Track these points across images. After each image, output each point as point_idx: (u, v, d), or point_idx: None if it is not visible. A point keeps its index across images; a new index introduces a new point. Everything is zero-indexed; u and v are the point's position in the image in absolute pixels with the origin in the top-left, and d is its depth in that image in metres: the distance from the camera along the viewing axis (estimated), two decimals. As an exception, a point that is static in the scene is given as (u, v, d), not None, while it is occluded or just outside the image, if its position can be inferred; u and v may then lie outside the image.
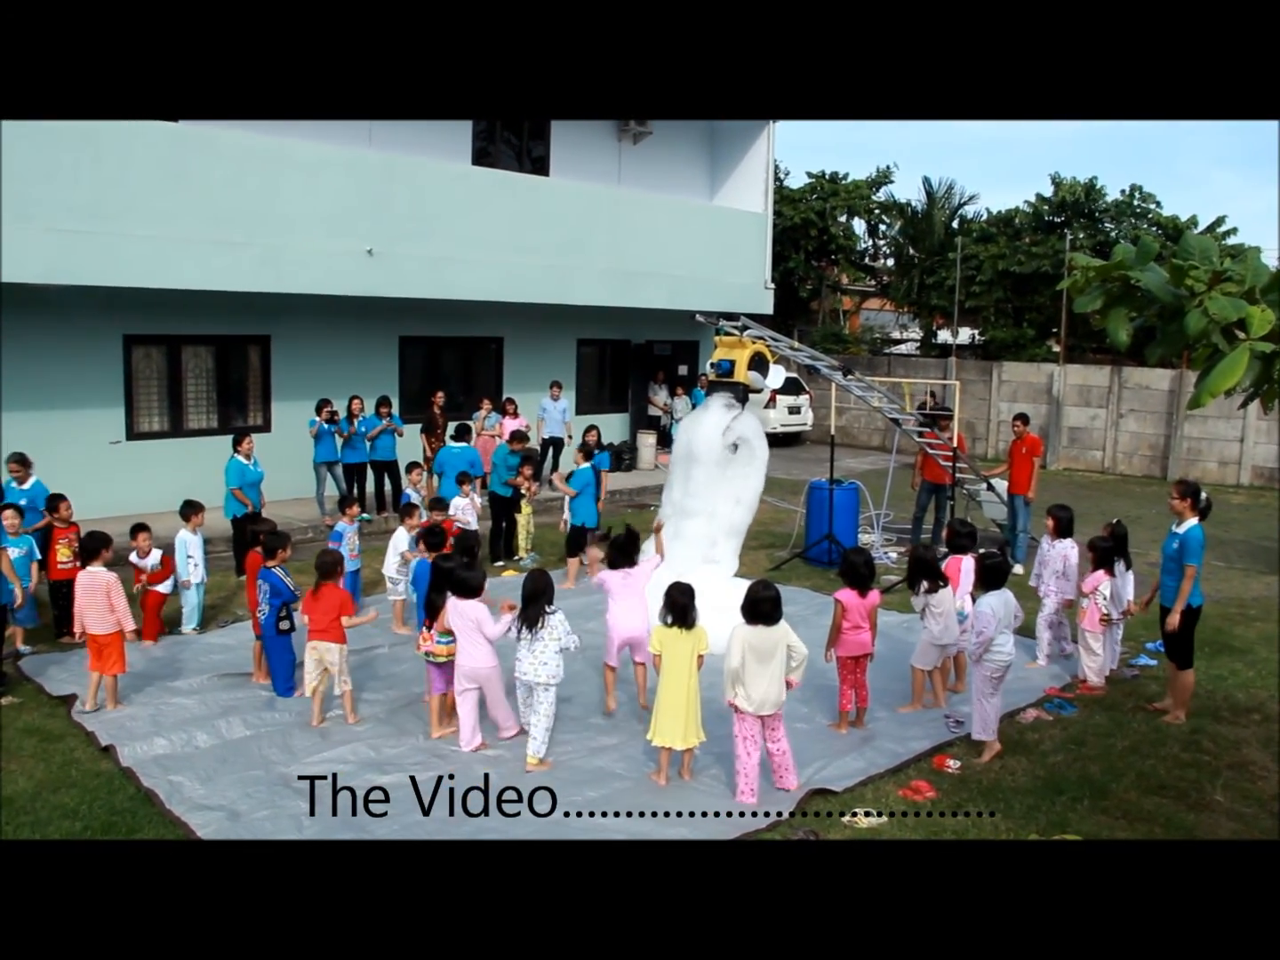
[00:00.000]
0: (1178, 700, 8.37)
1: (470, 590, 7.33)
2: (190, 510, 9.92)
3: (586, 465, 12.24)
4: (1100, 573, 9.09)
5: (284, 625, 8.33)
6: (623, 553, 8.37)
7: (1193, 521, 8.13)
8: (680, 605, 6.86)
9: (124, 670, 8.13)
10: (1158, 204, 27.68)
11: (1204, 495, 8.33)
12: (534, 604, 7.16)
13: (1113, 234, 27.23)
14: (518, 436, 13.30)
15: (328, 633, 7.82)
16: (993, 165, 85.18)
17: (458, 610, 7.33)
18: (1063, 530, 9.57)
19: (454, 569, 7.54)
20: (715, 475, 10.46)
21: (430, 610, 7.76)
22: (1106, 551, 9.14)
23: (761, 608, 6.65)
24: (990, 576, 7.64)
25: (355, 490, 14.52)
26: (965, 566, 8.82)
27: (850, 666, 7.97)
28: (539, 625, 7.14)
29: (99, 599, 8.00)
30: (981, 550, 9.00)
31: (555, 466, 17.68)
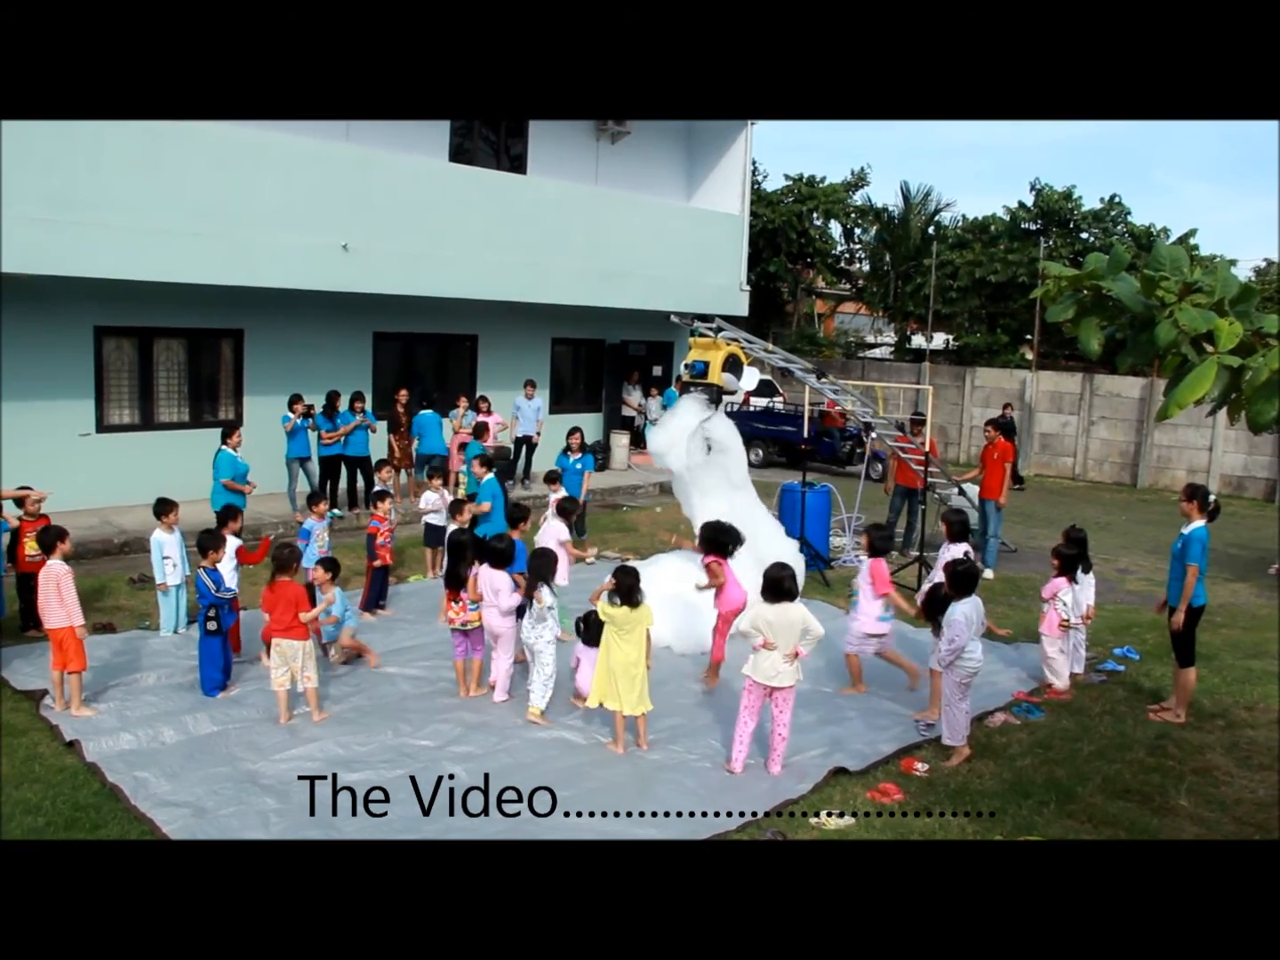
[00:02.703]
0: (1180, 699, 8.60)
1: (503, 561, 8.21)
2: (164, 509, 9.59)
3: (491, 476, 11.49)
4: (1061, 579, 9.16)
5: (211, 626, 8.24)
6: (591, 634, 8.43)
7: (1199, 523, 8.38)
8: (626, 586, 7.38)
9: (83, 668, 7.88)
10: (1128, 213, 27.92)
11: (1212, 498, 8.63)
12: (532, 578, 8.07)
13: (1091, 241, 27.43)
14: (480, 430, 13.29)
15: (290, 630, 7.78)
16: (969, 171, 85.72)
17: (484, 576, 8.22)
18: (956, 535, 9.44)
19: (487, 540, 8.55)
20: (693, 483, 10.48)
21: (455, 581, 8.39)
22: (1070, 559, 9.22)
23: (784, 585, 7.09)
24: (961, 583, 7.66)
25: (328, 486, 14.49)
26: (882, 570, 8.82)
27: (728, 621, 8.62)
28: (533, 598, 8.02)
29: (51, 591, 7.82)
30: (953, 549, 9.08)
31: (529, 465, 17.67)
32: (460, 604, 8.44)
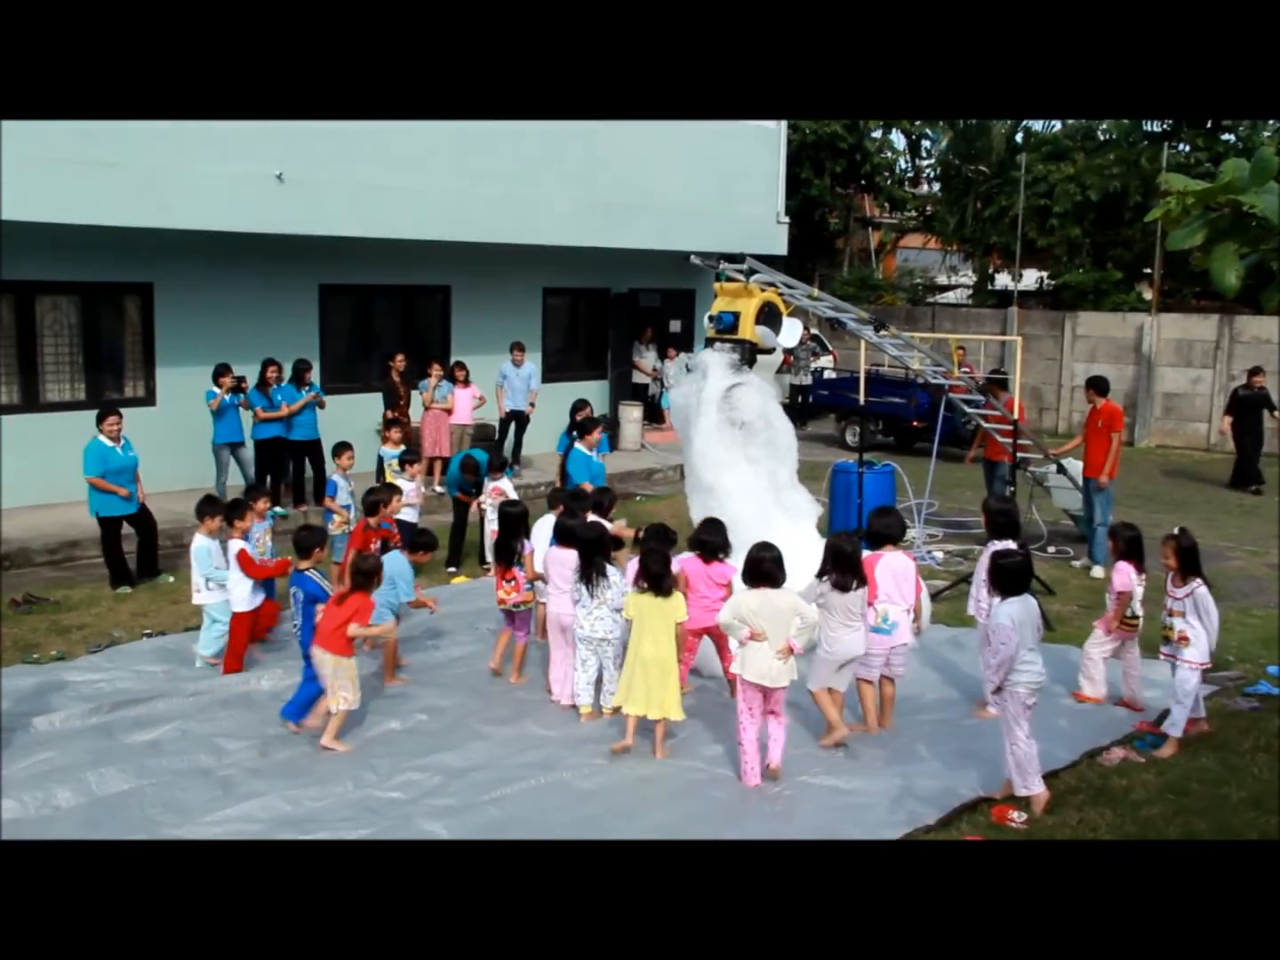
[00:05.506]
0: None
1: (576, 540, 8.76)
2: (209, 510, 9.64)
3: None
4: (1125, 564, 9.03)
5: None
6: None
7: None
8: (655, 573, 7.92)
9: None
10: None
11: None
12: (591, 560, 8.47)
13: (1235, 145, 26.99)
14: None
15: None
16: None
17: (559, 559, 8.83)
18: (1000, 530, 9.29)
19: (560, 519, 9.20)
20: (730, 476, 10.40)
21: (505, 554, 9.21)
22: (1133, 541, 9.11)
23: (763, 568, 7.47)
24: (1008, 580, 7.56)
25: (268, 478, 14.48)
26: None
27: (691, 644, 8.88)
28: (595, 583, 8.44)
29: None
30: (997, 547, 8.94)
31: (519, 445, 17.65)
32: (513, 583, 9.12)
